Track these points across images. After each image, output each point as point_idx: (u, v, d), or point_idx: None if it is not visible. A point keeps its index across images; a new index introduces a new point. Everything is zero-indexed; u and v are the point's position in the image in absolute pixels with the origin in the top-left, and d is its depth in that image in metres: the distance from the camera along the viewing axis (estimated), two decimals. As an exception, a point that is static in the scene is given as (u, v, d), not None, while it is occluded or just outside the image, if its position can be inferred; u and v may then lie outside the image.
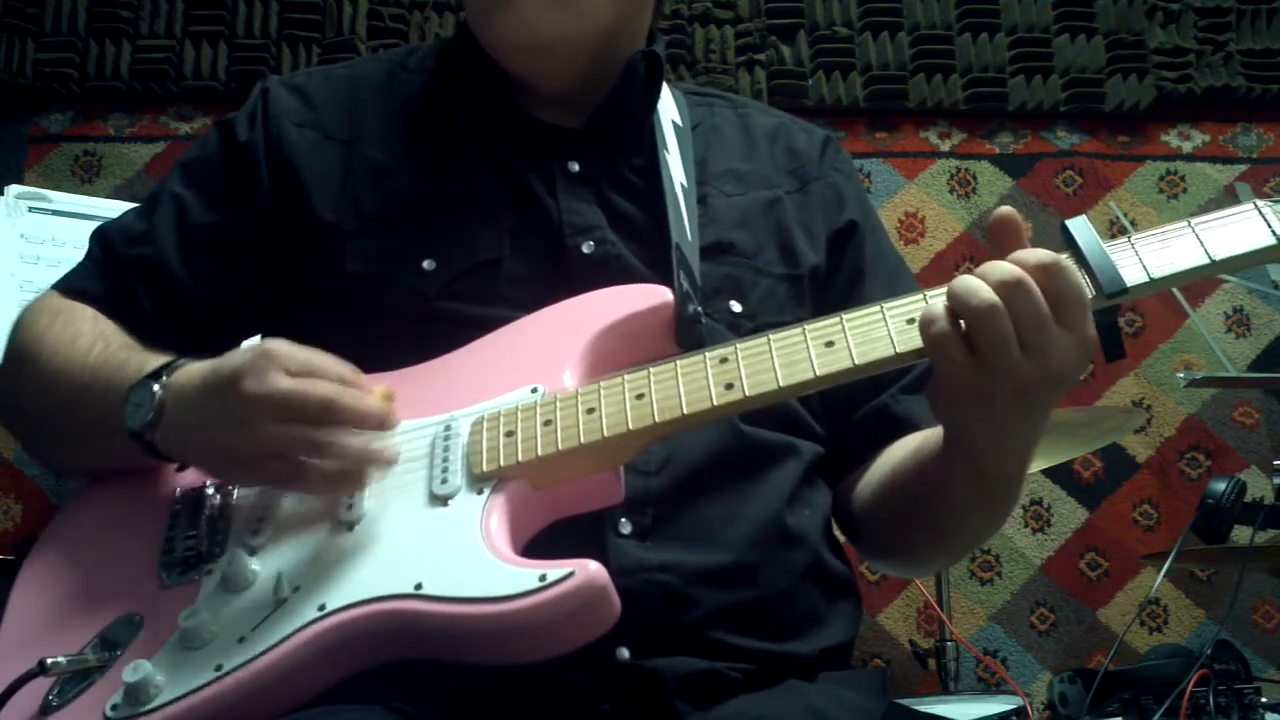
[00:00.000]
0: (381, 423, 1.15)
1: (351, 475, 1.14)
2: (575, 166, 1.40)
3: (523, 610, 1.03)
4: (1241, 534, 2.53)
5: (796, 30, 3.52)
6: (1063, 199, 3.49)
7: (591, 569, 1.04)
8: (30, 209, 2.67)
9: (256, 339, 1.47)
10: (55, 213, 2.69)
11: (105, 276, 1.43)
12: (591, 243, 1.36)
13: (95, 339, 1.33)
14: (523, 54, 1.40)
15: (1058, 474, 3.30)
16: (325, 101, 1.46)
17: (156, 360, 1.25)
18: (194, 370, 1.21)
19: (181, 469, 1.28)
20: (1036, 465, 2.83)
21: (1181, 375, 2.88)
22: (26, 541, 1.32)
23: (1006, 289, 1.05)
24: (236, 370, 1.14)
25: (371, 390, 1.17)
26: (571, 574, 1.03)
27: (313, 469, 1.13)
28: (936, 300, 1.09)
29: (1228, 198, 3.43)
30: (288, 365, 1.14)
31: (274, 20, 3.45)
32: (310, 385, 1.13)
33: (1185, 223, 1.12)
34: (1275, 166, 3.53)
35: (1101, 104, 3.52)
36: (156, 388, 1.21)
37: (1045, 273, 1.06)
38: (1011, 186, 3.51)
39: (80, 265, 1.47)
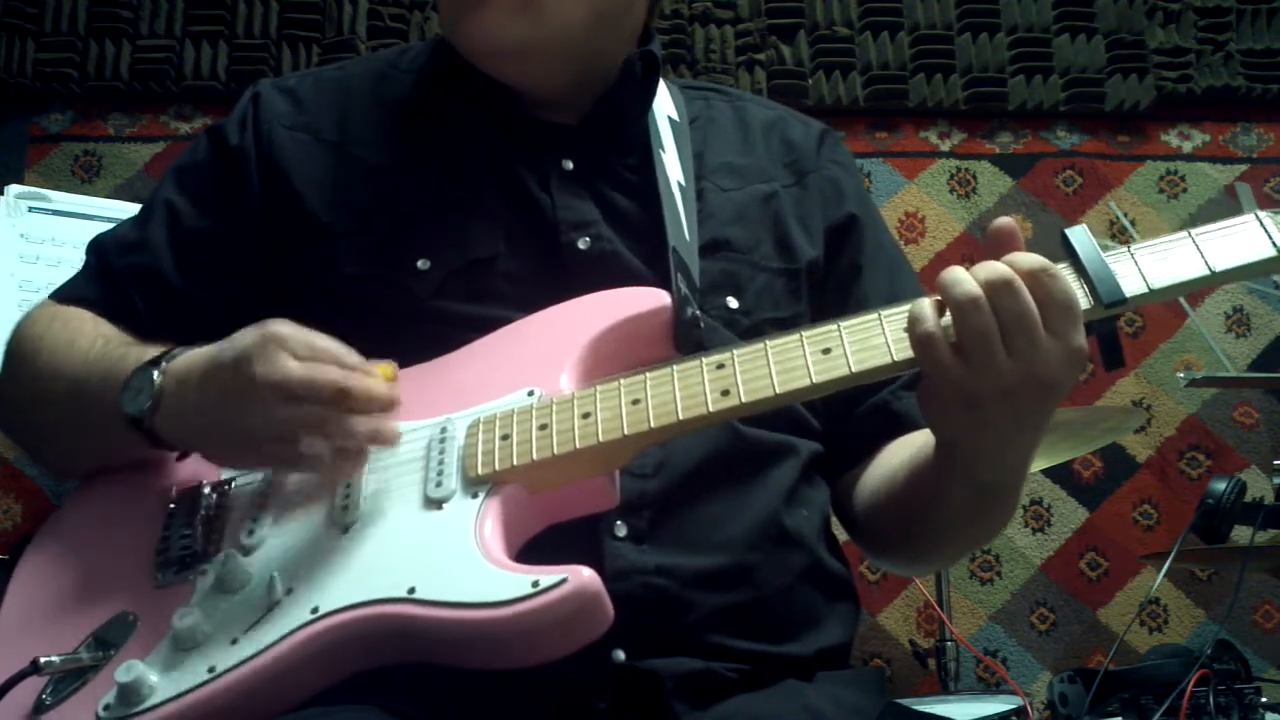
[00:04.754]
0: (388, 405, 1.17)
1: (355, 455, 1.15)
2: (569, 164, 1.40)
3: (515, 616, 1.03)
4: (1241, 534, 2.53)
5: (796, 30, 3.52)
6: (1063, 199, 3.49)
7: (585, 575, 1.04)
8: (30, 209, 2.67)
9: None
10: (55, 213, 2.69)
11: (101, 285, 1.43)
12: (588, 238, 1.35)
13: (95, 337, 1.33)
14: (493, 60, 1.40)
15: (1058, 474, 3.29)
16: (316, 103, 1.46)
17: (156, 349, 1.25)
18: (195, 355, 1.21)
19: (181, 458, 1.28)
20: (1036, 465, 2.83)
21: (1181, 375, 2.88)
22: (22, 540, 1.32)
23: (992, 286, 1.06)
24: (243, 354, 1.15)
25: (374, 372, 1.17)
26: (564, 580, 1.03)
27: (318, 450, 1.13)
28: (927, 299, 1.09)
29: (1227, 198, 3.43)
30: (295, 349, 1.14)
31: (274, 20, 3.45)
32: (320, 370, 1.13)
33: (1185, 233, 1.12)
34: (1275, 166, 3.53)
35: (1101, 104, 3.52)
36: (156, 373, 1.21)
37: (1034, 278, 1.07)
38: (1011, 186, 3.51)
39: (77, 275, 1.47)
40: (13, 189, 2.69)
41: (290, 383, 1.12)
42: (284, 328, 1.16)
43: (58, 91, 3.40)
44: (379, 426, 1.16)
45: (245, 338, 1.16)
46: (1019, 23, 3.54)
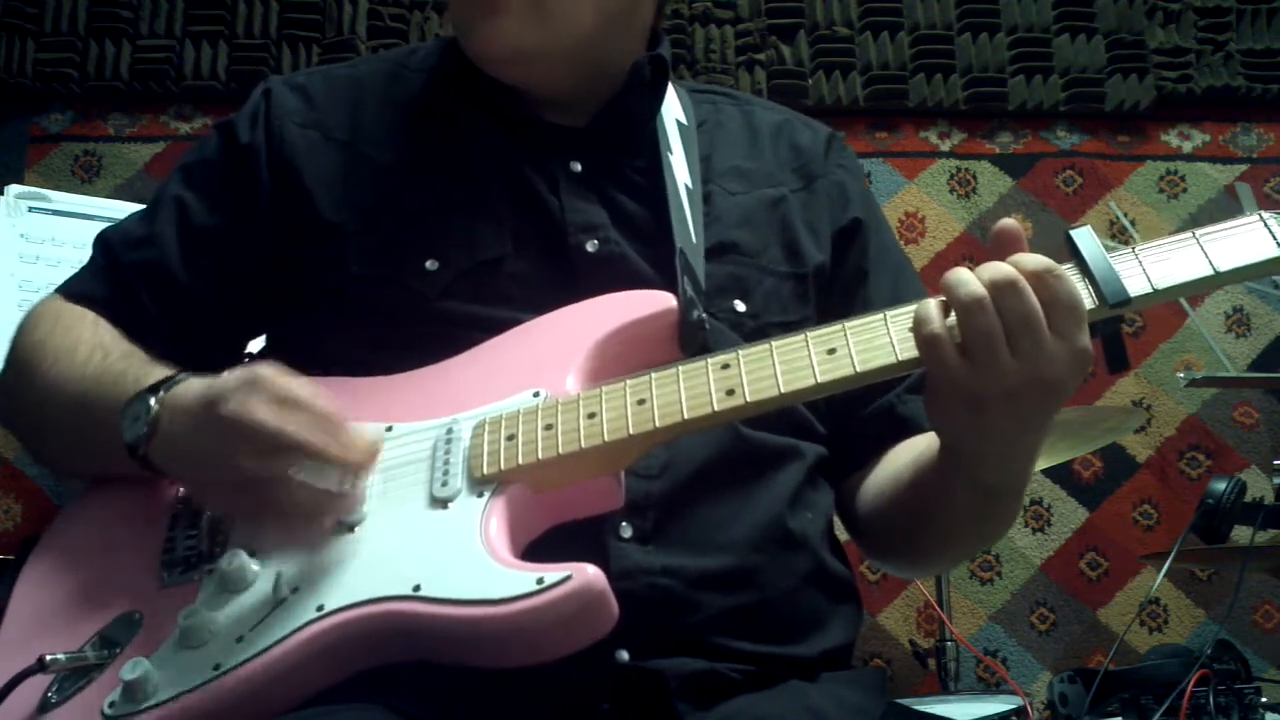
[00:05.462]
0: (352, 468, 1.13)
1: (306, 519, 1.13)
2: (577, 166, 1.40)
3: (520, 613, 1.03)
4: (1241, 534, 2.53)
5: (796, 30, 3.52)
6: (1063, 199, 3.49)
7: (589, 573, 1.04)
8: (30, 209, 2.67)
9: (260, 341, 1.47)
10: (55, 213, 2.69)
11: (107, 280, 1.43)
12: (596, 241, 1.35)
13: (95, 347, 1.32)
14: (505, 65, 1.40)
15: (1058, 474, 3.30)
16: (327, 102, 1.46)
17: (156, 373, 1.24)
18: (190, 387, 1.20)
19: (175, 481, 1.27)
20: (1036, 465, 2.83)
21: (1181, 375, 2.88)
22: (28, 540, 1.33)
23: (997, 287, 1.06)
24: (220, 392, 1.13)
25: (351, 432, 1.14)
26: (569, 577, 1.03)
27: (272, 505, 1.12)
28: (933, 299, 1.09)
29: (1227, 198, 3.43)
30: (272, 394, 1.12)
31: (274, 20, 3.46)
32: (285, 422, 1.10)
33: (1190, 234, 1.12)
34: (1275, 166, 3.53)
35: (1101, 104, 3.52)
36: (153, 402, 1.20)
37: (1039, 279, 1.07)
38: (1011, 186, 3.51)
39: (83, 270, 1.46)
40: (13, 189, 2.69)
41: (253, 426, 1.10)
42: (267, 372, 1.13)
43: (58, 91, 3.40)
44: (329, 497, 1.12)
45: (231, 375, 1.15)
46: (1019, 23, 3.55)
